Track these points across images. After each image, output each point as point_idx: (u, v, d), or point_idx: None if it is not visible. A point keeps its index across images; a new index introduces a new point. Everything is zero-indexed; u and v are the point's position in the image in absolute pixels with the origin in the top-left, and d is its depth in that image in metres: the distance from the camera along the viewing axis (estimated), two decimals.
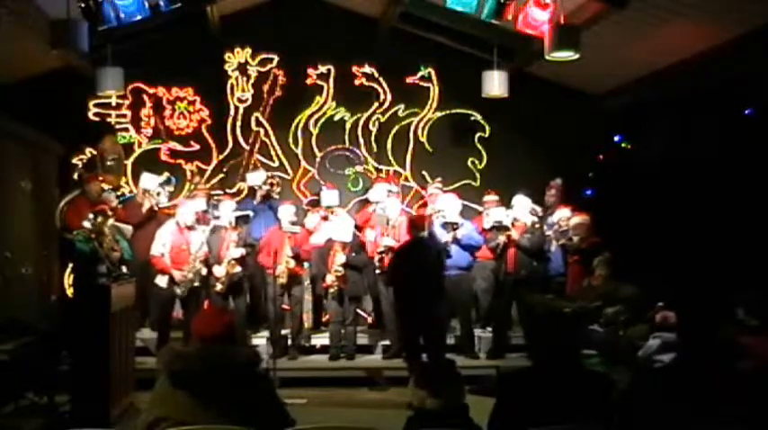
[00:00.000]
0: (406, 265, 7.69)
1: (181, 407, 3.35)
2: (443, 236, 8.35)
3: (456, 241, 8.43)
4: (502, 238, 8.58)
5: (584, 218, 8.72)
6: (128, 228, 8.33)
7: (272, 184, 9.52)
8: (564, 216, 8.86)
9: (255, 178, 9.45)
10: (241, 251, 8.44)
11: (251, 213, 8.69)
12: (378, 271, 8.65)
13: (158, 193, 9.04)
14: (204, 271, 8.35)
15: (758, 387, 4.04)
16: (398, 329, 8.22)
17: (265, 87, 10.21)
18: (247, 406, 3.41)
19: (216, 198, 9.56)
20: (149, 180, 9.10)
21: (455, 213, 8.65)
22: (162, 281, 8.33)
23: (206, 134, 10.19)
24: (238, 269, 8.40)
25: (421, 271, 7.61)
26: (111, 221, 7.84)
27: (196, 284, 8.35)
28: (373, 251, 8.66)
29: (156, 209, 8.98)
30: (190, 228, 8.44)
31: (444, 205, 8.75)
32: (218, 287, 8.35)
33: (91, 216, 7.67)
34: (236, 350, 3.60)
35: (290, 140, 10.33)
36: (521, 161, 10.24)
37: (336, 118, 10.38)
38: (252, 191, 9.58)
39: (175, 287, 8.27)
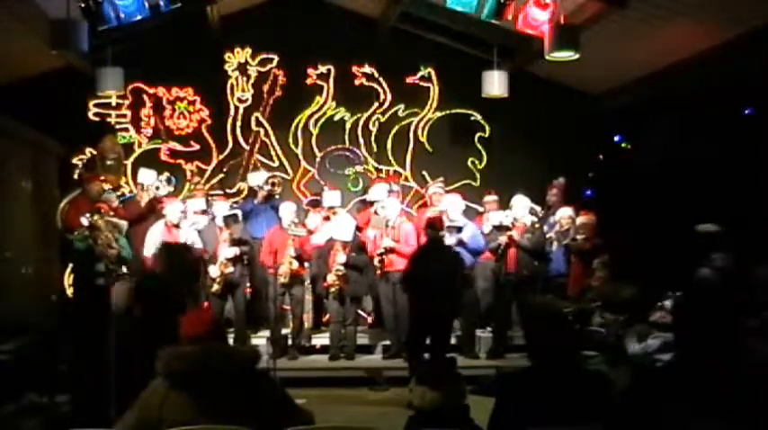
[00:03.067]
0: (424, 265, 7.63)
1: (180, 408, 3.33)
2: (448, 238, 8.32)
3: (461, 244, 8.39)
4: (503, 238, 8.58)
5: (590, 218, 8.71)
6: (122, 223, 8.33)
7: (273, 184, 9.52)
8: (565, 215, 8.85)
9: (256, 178, 9.46)
10: (234, 251, 8.44)
11: (239, 212, 8.70)
12: (378, 271, 8.65)
13: (157, 188, 9.05)
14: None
15: (757, 387, 4.05)
16: (409, 325, 8.09)
17: (265, 87, 10.22)
18: (248, 405, 3.39)
19: (213, 197, 9.57)
20: (146, 175, 9.12)
21: (459, 215, 8.64)
22: None
23: (206, 134, 10.19)
24: (232, 269, 8.41)
25: (439, 270, 7.56)
26: (107, 217, 7.83)
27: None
28: (373, 251, 8.66)
29: (154, 202, 8.98)
30: (177, 226, 8.47)
31: (448, 206, 8.73)
32: (214, 287, 8.37)
33: (87, 214, 7.67)
34: (235, 349, 3.58)
35: (290, 140, 10.34)
36: (521, 161, 10.24)
37: (336, 118, 10.39)
38: (253, 190, 9.58)
39: None
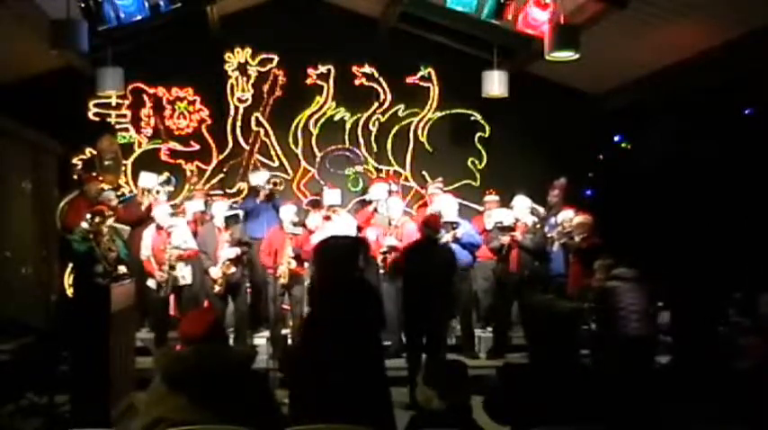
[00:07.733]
0: (417, 264, 7.62)
1: (178, 407, 3.34)
2: (443, 236, 8.34)
3: (456, 241, 8.42)
4: (506, 239, 8.57)
5: (587, 218, 8.68)
6: (125, 229, 8.34)
7: (274, 184, 9.50)
8: (568, 217, 8.83)
9: (258, 178, 9.45)
10: (235, 251, 8.43)
11: (241, 212, 8.68)
12: (381, 270, 8.64)
13: (158, 192, 9.05)
14: (180, 269, 8.34)
15: (754, 386, 4.05)
16: (403, 326, 8.13)
17: (265, 87, 10.22)
18: (243, 405, 3.40)
19: (212, 198, 9.57)
20: (148, 179, 9.12)
21: (453, 213, 8.65)
22: (152, 283, 8.39)
23: (206, 134, 10.19)
24: (234, 270, 8.41)
25: (432, 270, 7.56)
26: (109, 221, 7.84)
27: (188, 283, 8.36)
28: (375, 251, 8.64)
29: (152, 206, 8.98)
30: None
31: (442, 205, 8.74)
32: (216, 289, 8.36)
33: (88, 216, 7.67)
34: (231, 350, 3.59)
35: (290, 140, 10.34)
36: (521, 161, 10.25)
37: (336, 118, 10.39)
38: (254, 190, 9.57)
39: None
